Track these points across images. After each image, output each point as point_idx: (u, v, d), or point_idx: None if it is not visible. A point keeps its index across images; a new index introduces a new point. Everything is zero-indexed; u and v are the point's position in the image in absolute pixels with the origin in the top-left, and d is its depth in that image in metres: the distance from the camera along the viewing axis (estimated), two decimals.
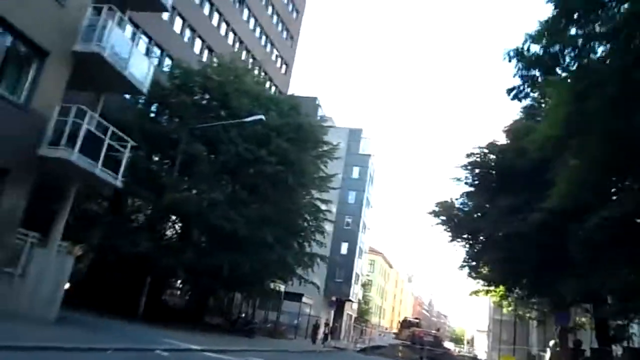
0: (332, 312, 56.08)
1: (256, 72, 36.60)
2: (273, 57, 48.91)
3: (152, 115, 27.50)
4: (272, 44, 48.40)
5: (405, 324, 49.18)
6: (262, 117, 24.98)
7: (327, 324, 39.80)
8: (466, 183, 25.56)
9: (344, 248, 59.39)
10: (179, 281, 30.70)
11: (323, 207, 30.54)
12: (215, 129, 26.05)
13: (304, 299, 43.03)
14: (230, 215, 24.08)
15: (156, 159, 26.23)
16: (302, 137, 28.20)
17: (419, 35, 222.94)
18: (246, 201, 25.42)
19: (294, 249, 26.69)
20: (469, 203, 26.76)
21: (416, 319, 60.84)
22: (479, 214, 25.39)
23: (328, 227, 61.27)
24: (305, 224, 28.38)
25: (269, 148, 25.84)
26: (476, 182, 25.32)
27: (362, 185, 61.64)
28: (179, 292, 33.77)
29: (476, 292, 36.41)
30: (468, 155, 24.84)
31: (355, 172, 61.88)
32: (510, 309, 38.50)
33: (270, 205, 25.98)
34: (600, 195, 16.49)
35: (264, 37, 46.67)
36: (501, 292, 34.99)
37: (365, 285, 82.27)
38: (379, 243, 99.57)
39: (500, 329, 44.55)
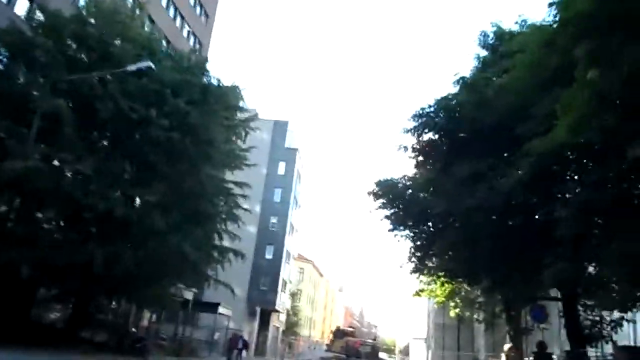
0: (256, 324, 49.75)
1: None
2: (184, 33, 42.64)
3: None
4: (182, 17, 42.14)
5: (338, 334, 43.70)
6: (151, 64, 18.94)
7: (239, 337, 33.70)
8: (414, 150, 20.56)
9: (269, 252, 53.23)
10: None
11: (237, 191, 24.56)
12: (90, 84, 19.68)
13: (220, 309, 36.52)
14: (104, 192, 17.79)
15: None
16: (209, 101, 22.28)
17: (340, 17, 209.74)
18: (129, 176, 19.23)
19: (197, 238, 20.45)
20: (417, 177, 21.87)
21: (350, 328, 55.58)
22: (431, 189, 20.55)
23: (252, 229, 55.53)
24: (212, 209, 22.16)
25: (163, 109, 19.79)
26: (426, 150, 20.47)
27: (289, 182, 55.90)
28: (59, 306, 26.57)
29: (419, 293, 31.63)
30: (415, 117, 19.86)
31: (281, 168, 56.13)
32: (456, 310, 34.08)
33: (162, 181, 19.85)
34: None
35: (172, 7, 40.38)
36: (448, 290, 30.43)
37: (294, 295, 76.45)
38: (308, 249, 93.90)
39: (443, 335, 40.10)
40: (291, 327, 72.83)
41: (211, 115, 21.74)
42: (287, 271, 58.46)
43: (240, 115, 24.53)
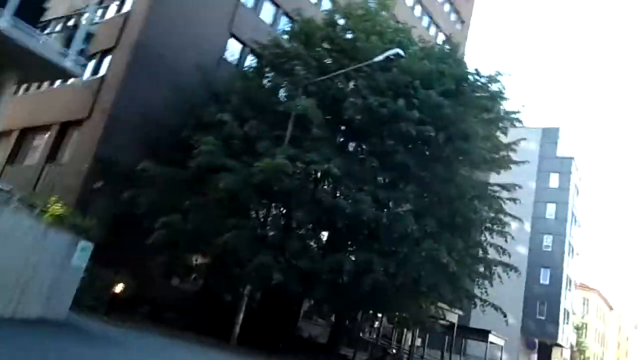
0: (534, 358, 43.37)
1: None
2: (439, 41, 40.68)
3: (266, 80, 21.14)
4: (437, 26, 40.28)
5: None
6: (400, 51, 16.95)
7: None
8: None
9: (545, 276, 46.44)
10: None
11: (504, 194, 20.65)
12: (337, 84, 18.80)
13: (492, 337, 32.22)
14: (352, 195, 16.30)
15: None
16: (465, 91, 19.35)
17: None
18: (378, 177, 17.43)
19: (455, 248, 17.29)
20: None
21: None
22: None
23: (522, 249, 49.54)
24: (473, 215, 18.72)
25: (412, 102, 17.61)
26: None
27: (564, 196, 48.36)
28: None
29: None
30: None
31: (554, 180, 48.99)
32: None
33: (413, 183, 17.47)
34: None
35: (426, 17, 38.90)
36: None
37: (579, 329, 66.05)
38: (592, 276, 79.10)
39: None
40: None
41: (468, 106, 18.72)
42: (569, 300, 50.36)
43: (503, 107, 20.84)
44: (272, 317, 18.69)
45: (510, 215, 20.62)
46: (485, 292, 20.55)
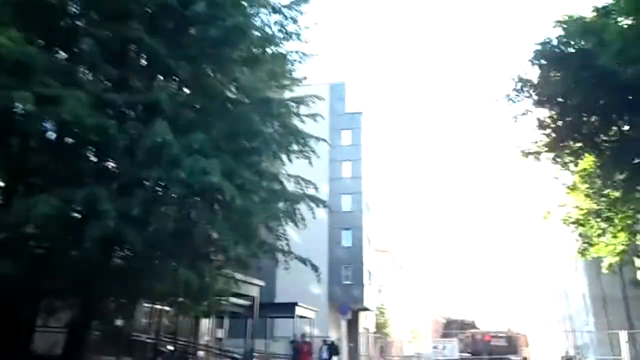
0: (344, 326, 40.09)
1: None
2: None
3: None
4: None
5: (453, 326, 33.49)
6: None
7: (325, 343, 24.84)
8: None
9: (347, 239, 43.77)
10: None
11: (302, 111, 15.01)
12: None
13: (299, 310, 27.30)
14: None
15: None
16: None
17: None
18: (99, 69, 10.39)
19: (243, 176, 11.07)
20: None
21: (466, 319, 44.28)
22: None
23: (322, 213, 46.30)
24: (263, 128, 12.54)
25: None
26: None
27: (357, 152, 46.25)
28: None
29: (586, 250, 21.29)
30: None
31: (346, 137, 46.67)
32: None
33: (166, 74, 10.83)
34: None
35: None
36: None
37: (380, 291, 66.61)
38: (384, 235, 79.36)
39: (605, 312, 28.55)
40: (380, 328, 62.91)
41: None
42: (370, 259, 48.75)
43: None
44: None
45: (313, 136, 15.06)
46: (287, 244, 14.89)
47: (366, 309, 46.96)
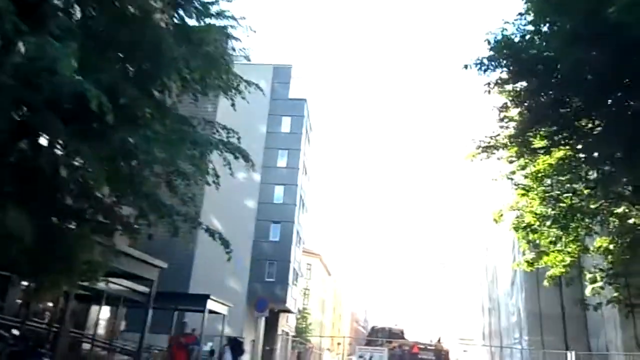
0: (261, 326, 36.67)
1: None
2: None
3: None
4: None
5: (379, 334, 30.93)
6: None
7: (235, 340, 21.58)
8: None
9: (275, 233, 40.35)
10: None
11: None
12: None
13: (211, 304, 23.69)
14: None
15: None
16: None
17: None
18: None
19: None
20: None
21: (395, 327, 41.48)
22: None
23: (250, 203, 42.71)
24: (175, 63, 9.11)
25: None
26: None
27: (297, 142, 43.10)
28: None
29: (532, 262, 19.05)
30: None
31: (286, 124, 43.32)
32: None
33: None
34: None
35: None
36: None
37: (305, 294, 63.68)
38: (314, 236, 75.67)
39: (541, 329, 26.83)
40: (301, 332, 59.78)
41: None
42: (298, 259, 45.65)
43: None
44: None
45: (246, 82, 11.63)
46: (196, 212, 11.46)
47: (288, 311, 43.68)
